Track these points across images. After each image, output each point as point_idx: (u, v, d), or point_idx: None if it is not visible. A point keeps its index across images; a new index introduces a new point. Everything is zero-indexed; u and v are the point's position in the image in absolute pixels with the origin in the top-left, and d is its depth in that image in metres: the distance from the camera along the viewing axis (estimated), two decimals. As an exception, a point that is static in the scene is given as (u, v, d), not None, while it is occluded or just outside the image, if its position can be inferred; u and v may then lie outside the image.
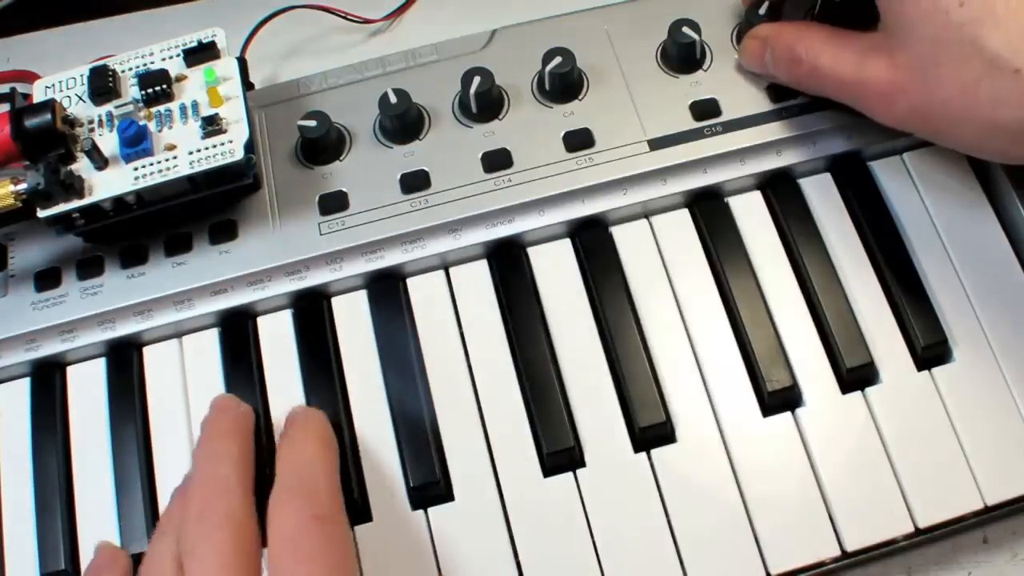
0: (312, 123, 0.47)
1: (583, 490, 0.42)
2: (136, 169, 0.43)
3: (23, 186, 0.43)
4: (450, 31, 0.51)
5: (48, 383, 0.46)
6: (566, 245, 0.47)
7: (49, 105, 0.43)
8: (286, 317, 0.47)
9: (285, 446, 0.40)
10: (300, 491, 0.38)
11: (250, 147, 0.44)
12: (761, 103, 0.47)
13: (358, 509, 0.42)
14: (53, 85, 0.46)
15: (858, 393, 0.43)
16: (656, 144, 0.47)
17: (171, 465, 0.44)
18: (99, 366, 0.46)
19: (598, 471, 0.42)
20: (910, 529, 0.41)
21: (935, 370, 0.43)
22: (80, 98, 0.45)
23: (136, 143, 0.43)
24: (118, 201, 0.44)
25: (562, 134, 0.47)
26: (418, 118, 0.48)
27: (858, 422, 0.43)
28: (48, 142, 0.43)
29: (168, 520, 0.39)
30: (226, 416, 0.42)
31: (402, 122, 0.47)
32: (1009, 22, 0.36)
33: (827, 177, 0.48)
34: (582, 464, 0.42)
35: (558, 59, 0.47)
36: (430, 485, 0.42)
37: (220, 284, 0.46)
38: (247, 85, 0.47)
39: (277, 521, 0.37)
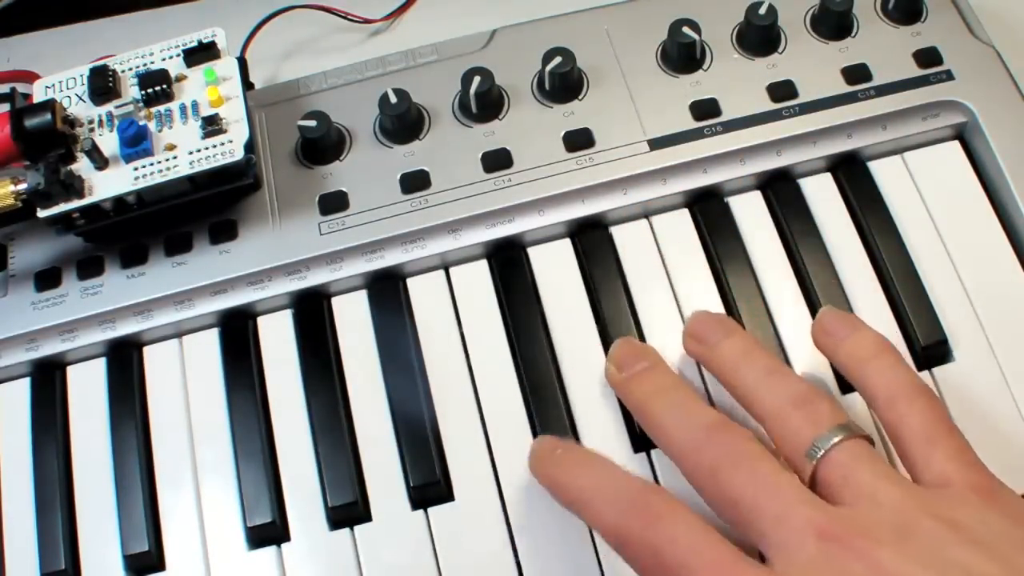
0: (312, 123, 0.47)
1: (583, 490, 0.42)
2: (136, 169, 0.43)
3: (23, 186, 0.43)
4: (450, 31, 0.51)
5: (48, 383, 0.46)
6: (566, 245, 0.47)
7: (49, 105, 0.43)
8: (286, 317, 0.47)
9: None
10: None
11: (250, 147, 0.44)
12: (761, 103, 0.47)
13: (358, 509, 0.42)
14: (53, 85, 0.46)
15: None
16: (656, 144, 0.47)
17: (171, 465, 0.44)
18: (99, 366, 0.46)
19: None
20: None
21: (935, 370, 0.43)
22: (80, 98, 0.45)
23: (136, 143, 0.43)
24: (118, 201, 0.44)
25: (562, 134, 0.47)
26: (418, 118, 0.48)
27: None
28: (48, 142, 0.43)
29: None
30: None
31: (402, 122, 0.47)
32: None
33: (827, 177, 0.47)
34: (582, 464, 0.43)
35: (558, 59, 0.47)
36: (430, 485, 0.42)
37: (220, 284, 0.46)
38: (247, 85, 0.47)
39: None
